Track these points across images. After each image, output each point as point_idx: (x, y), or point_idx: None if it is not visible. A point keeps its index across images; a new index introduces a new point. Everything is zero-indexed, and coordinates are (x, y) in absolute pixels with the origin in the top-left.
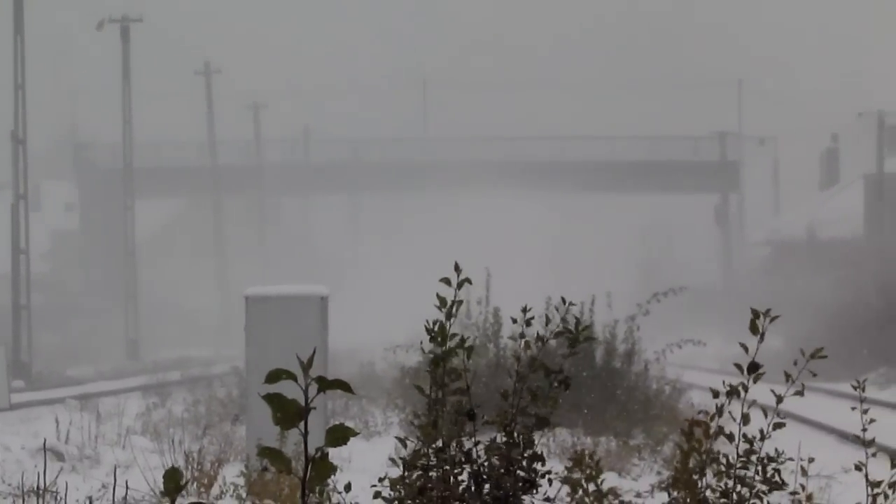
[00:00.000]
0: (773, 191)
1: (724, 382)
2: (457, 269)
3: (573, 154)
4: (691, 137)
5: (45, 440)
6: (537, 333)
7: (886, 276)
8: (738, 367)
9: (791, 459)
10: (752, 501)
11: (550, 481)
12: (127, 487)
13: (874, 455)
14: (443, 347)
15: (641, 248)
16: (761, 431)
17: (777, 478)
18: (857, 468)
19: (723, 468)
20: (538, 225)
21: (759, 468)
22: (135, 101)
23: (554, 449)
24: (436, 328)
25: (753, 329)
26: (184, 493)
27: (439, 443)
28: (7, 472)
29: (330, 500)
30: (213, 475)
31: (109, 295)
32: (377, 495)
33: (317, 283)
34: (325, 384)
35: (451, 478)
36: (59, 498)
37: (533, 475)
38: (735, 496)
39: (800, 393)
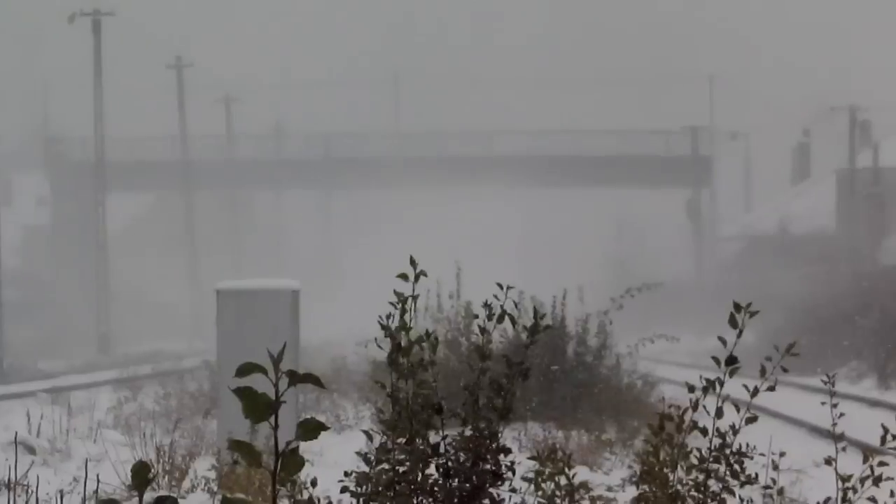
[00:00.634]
0: (745, 185)
1: (700, 377)
2: (413, 263)
3: (545, 148)
4: (663, 132)
5: (16, 433)
6: (484, 324)
7: (858, 271)
8: (716, 360)
9: (762, 454)
10: (723, 496)
11: (514, 472)
12: (98, 481)
13: (844, 449)
14: (401, 342)
15: (614, 243)
16: (732, 426)
17: (747, 472)
18: (828, 462)
19: (695, 462)
20: (510, 219)
21: (731, 462)
22: (106, 94)
23: (525, 443)
24: (392, 322)
25: (733, 323)
26: (154, 486)
27: (405, 437)
28: None
29: (300, 494)
30: (184, 469)
31: (81, 289)
32: (344, 490)
33: (288, 278)
34: (295, 378)
35: (419, 472)
36: (30, 491)
37: (499, 468)
38: (706, 490)
39: (772, 388)
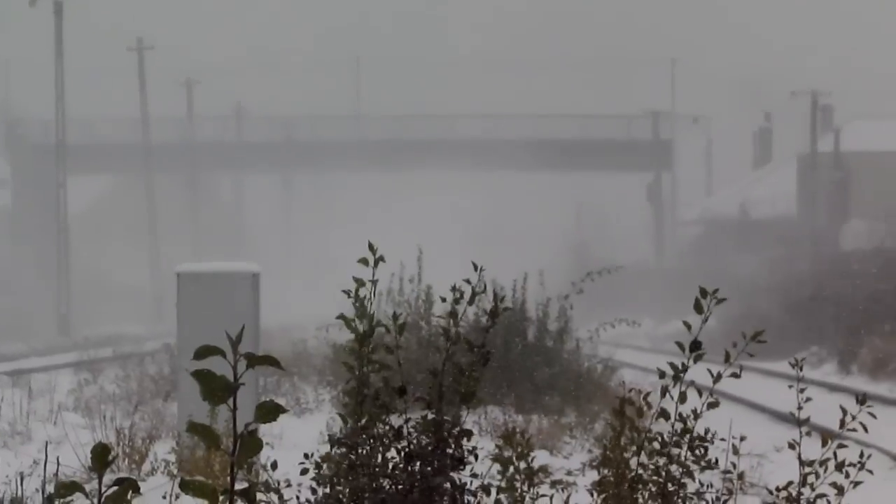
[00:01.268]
0: (706, 170)
1: (671, 365)
2: (371, 248)
3: (506, 132)
4: (624, 116)
5: None
6: (452, 308)
7: (818, 255)
8: (680, 345)
9: (723, 440)
10: (683, 480)
11: (476, 457)
12: (58, 464)
13: (808, 434)
14: (364, 328)
15: (574, 227)
16: (694, 411)
17: (708, 457)
18: (791, 446)
19: (657, 447)
20: (472, 203)
21: (693, 447)
22: (68, 76)
23: (486, 427)
24: (355, 307)
25: (698, 309)
26: (114, 468)
27: (367, 420)
28: None
29: (258, 477)
30: (144, 452)
31: (42, 271)
32: (304, 472)
33: (249, 261)
34: (253, 360)
35: (381, 455)
36: None
37: (461, 452)
38: (666, 474)
39: (736, 375)
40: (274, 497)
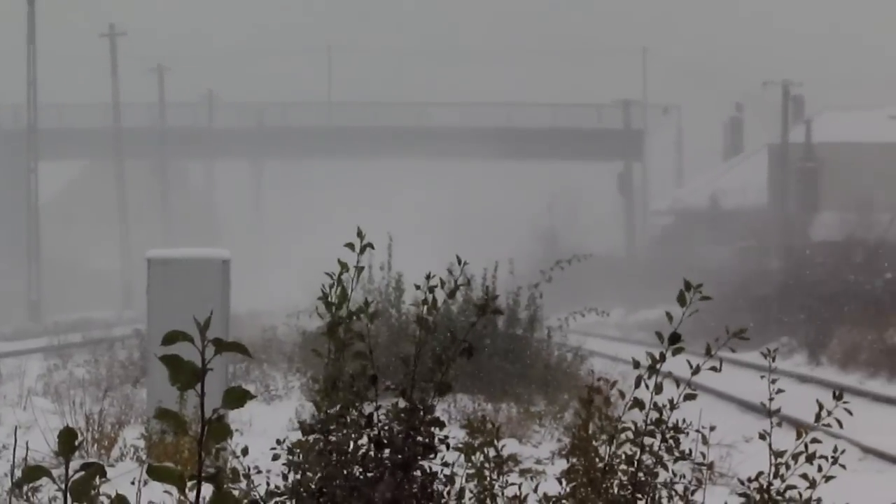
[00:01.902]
0: (677, 159)
1: (649, 355)
2: (360, 234)
3: (477, 121)
4: (595, 105)
5: None
6: (426, 297)
7: (789, 246)
8: (659, 336)
9: (698, 431)
10: (655, 470)
11: (448, 446)
12: (27, 448)
13: (780, 424)
14: (340, 312)
15: (545, 216)
16: (671, 401)
17: (679, 446)
18: (762, 437)
19: (630, 436)
20: (442, 191)
21: (666, 437)
22: (39, 62)
23: (455, 415)
24: (333, 292)
25: (682, 301)
26: (83, 454)
27: (338, 407)
28: None
29: (225, 463)
30: (113, 437)
31: (12, 257)
32: (276, 458)
33: (219, 247)
34: (221, 346)
35: (351, 442)
36: None
37: (432, 440)
38: (637, 464)
39: (715, 368)
40: (243, 483)
